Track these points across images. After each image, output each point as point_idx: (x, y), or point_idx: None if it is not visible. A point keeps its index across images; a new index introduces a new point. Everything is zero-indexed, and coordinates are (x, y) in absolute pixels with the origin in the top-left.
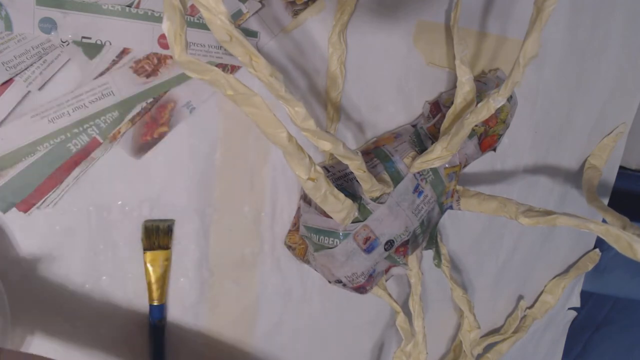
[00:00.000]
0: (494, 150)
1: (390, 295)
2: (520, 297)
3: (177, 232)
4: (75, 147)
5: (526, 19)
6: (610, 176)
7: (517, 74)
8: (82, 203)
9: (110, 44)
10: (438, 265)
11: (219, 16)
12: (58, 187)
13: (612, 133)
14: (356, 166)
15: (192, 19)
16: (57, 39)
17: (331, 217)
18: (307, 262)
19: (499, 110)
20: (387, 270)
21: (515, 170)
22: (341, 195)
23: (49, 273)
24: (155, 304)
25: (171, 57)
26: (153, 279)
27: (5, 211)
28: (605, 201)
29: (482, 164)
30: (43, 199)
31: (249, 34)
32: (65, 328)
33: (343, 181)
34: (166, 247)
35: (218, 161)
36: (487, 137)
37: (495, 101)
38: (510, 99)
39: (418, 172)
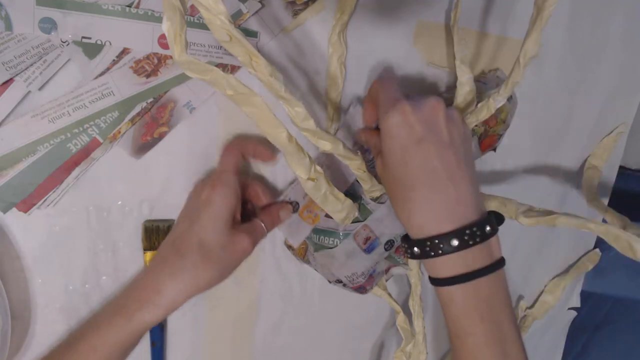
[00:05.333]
0: (494, 150)
1: (390, 295)
2: (520, 297)
3: None
4: (75, 147)
5: (526, 19)
6: (610, 176)
7: (517, 74)
8: (82, 203)
9: (110, 44)
10: None
11: (218, 16)
12: (58, 187)
13: (612, 133)
14: (356, 166)
15: (192, 19)
16: (57, 39)
17: (331, 217)
18: (307, 262)
19: (499, 111)
20: (387, 270)
21: (515, 170)
22: (341, 195)
23: (49, 273)
24: None
25: (171, 57)
26: None
27: (5, 211)
28: (605, 201)
29: (482, 164)
30: (43, 199)
31: (249, 34)
32: (65, 328)
33: None
34: None
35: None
36: (487, 137)
37: (495, 101)
38: (510, 99)
39: None
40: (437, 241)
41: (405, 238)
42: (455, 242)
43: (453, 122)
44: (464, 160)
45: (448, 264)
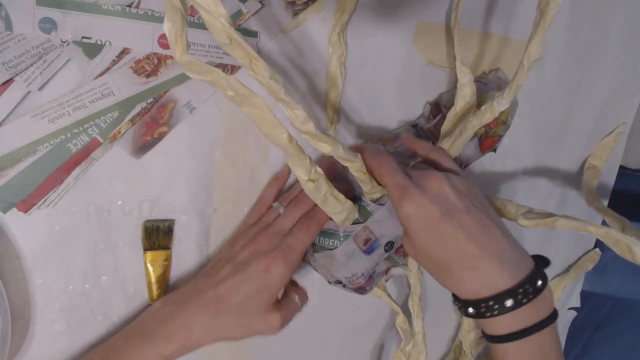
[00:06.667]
0: (494, 151)
1: (390, 295)
2: None
3: (177, 232)
4: (75, 147)
5: (529, 19)
6: (610, 176)
7: (521, 77)
8: (82, 203)
9: (110, 44)
10: None
11: (219, 19)
12: (58, 187)
13: (612, 133)
14: (356, 168)
15: (193, 19)
16: (57, 39)
17: (331, 219)
18: (307, 262)
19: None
20: (387, 271)
21: (516, 171)
22: (342, 197)
23: (49, 273)
24: None
25: (171, 57)
26: (153, 279)
27: (5, 211)
28: (605, 201)
29: (483, 165)
30: (43, 199)
31: (249, 34)
32: (65, 328)
33: None
34: (166, 247)
35: (218, 161)
36: (487, 138)
37: (499, 104)
38: None
39: None
40: (491, 303)
41: (456, 297)
42: (509, 303)
43: (458, 189)
44: (488, 217)
45: (503, 323)
